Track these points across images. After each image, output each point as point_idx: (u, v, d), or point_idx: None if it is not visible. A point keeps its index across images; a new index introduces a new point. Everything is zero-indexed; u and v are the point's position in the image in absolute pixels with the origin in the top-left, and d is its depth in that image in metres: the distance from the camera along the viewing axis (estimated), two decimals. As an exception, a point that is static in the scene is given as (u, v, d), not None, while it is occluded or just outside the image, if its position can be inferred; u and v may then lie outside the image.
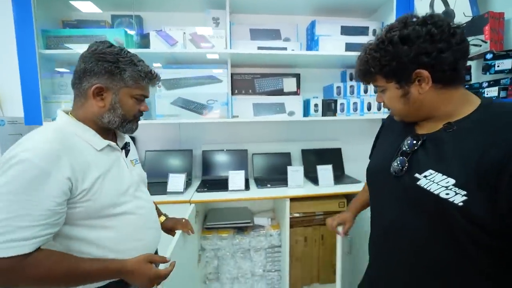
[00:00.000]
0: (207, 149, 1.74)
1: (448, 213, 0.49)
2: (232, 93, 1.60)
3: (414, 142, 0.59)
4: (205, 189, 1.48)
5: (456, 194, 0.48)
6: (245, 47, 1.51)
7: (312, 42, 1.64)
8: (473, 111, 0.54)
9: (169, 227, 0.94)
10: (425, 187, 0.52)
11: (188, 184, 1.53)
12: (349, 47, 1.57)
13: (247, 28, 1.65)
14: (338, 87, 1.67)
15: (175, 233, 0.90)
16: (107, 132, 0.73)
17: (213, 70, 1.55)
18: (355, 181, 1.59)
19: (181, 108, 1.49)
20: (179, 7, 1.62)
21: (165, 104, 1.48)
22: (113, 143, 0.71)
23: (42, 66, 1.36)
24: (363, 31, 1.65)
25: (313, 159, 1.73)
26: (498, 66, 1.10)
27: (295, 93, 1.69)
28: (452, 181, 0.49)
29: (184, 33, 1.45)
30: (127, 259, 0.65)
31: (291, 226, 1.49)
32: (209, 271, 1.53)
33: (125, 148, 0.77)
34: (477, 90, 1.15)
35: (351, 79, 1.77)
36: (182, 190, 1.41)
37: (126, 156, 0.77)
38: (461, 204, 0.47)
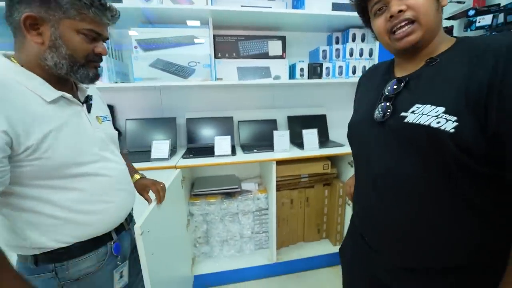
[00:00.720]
0: (191, 116, 1.69)
1: (441, 143, 0.47)
2: (215, 57, 1.52)
3: (398, 83, 0.57)
4: (191, 155, 1.45)
5: (447, 121, 0.46)
6: (227, 5, 1.41)
7: (298, 1, 1.56)
8: (453, 45, 0.53)
9: (143, 184, 0.89)
10: (414, 121, 0.50)
11: (173, 152, 1.49)
12: (336, 7, 1.52)
13: (229, -16, 1.53)
14: (324, 51, 1.64)
15: (148, 193, 0.88)
16: (64, 82, 0.64)
17: (194, 30, 1.45)
18: (339, 145, 1.63)
19: (161, 70, 1.40)
20: (152, -43, 1.46)
21: (144, 66, 1.39)
22: (68, 95, 0.62)
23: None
24: (350, -10, 1.59)
25: (299, 125, 1.74)
26: (479, 22, 1.11)
27: (281, 57, 1.64)
28: (442, 109, 0.48)
29: (160, -14, 1.32)
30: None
31: (278, 189, 1.54)
32: (199, 235, 1.57)
33: (87, 102, 0.68)
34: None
35: (337, 43, 1.73)
36: (167, 157, 1.38)
37: (89, 112, 0.68)
38: (452, 130, 0.46)
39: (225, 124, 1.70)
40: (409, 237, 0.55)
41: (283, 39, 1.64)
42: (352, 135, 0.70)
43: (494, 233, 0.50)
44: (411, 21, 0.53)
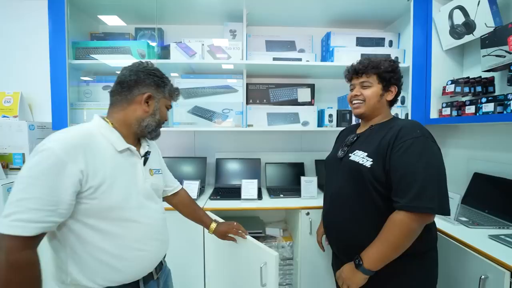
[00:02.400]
0: (220, 157, 1.76)
1: (364, 173, 0.84)
2: (247, 103, 1.62)
3: (353, 137, 0.96)
4: (218, 197, 1.48)
5: (367, 161, 0.84)
6: (260, 58, 1.54)
7: (327, 53, 1.65)
8: (387, 120, 0.94)
9: (223, 232, 1.01)
10: (352, 159, 0.89)
11: (201, 191, 1.54)
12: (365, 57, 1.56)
13: (263, 39, 1.69)
14: (353, 98, 1.66)
15: (232, 237, 1.01)
16: (133, 138, 0.78)
17: (229, 80, 1.59)
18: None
19: (197, 116, 1.53)
20: (198, 20, 1.70)
21: (182, 112, 1.53)
22: (133, 148, 0.75)
23: (70, 75, 1.45)
24: (379, 42, 1.65)
25: (327, 169, 1.70)
26: (524, 77, 1.05)
27: (310, 103, 1.69)
28: (366, 153, 0.86)
29: (203, 44, 1.51)
30: None
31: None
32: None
33: (145, 156, 0.81)
34: (501, 102, 1.11)
35: (366, 90, 1.75)
36: (195, 197, 1.42)
37: (144, 165, 0.79)
38: (369, 166, 0.83)
39: (253, 166, 1.74)
40: (347, 232, 0.89)
41: (312, 86, 1.71)
42: (326, 166, 1.06)
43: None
44: (362, 100, 0.93)
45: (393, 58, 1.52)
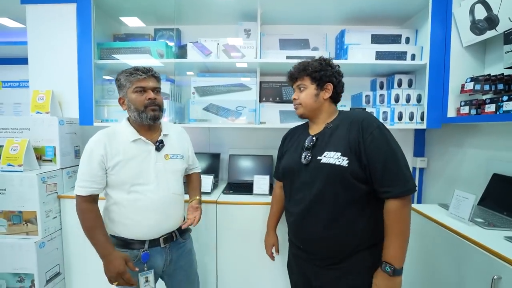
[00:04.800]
0: (234, 153, 1.81)
1: (341, 172, 0.84)
2: (260, 100, 1.66)
3: (311, 139, 0.94)
4: (231, 191, 1.54)
5: (343, 160, 0.85)
6: (274, 57, 1.57)
7: (341, 51, 1.65)
8: (336, 116, 0.97)
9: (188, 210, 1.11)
10: (325, 161, 0.87)
11: (215, 185, 1.61)
12: (380, 55, 1.55)
13: (277, 38, 1.72)
14: (367, 96, 1.65)
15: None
16: (150, 129, 1.00)
17: (243, 79, 1.63)
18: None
19: (212, 113, 1.59)
20: (214, 20, 1.75)
21: (198, 109, 1.59)
22: (144, 138, 0.97)
23: (95, 74, 1.56)
24: (395, 39, 1.62)
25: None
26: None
27: (322, 101, 1.69)
28: (339, 153, 0.86)
29: (218, 44, 1.56)
30: (116, 252, 0.92)
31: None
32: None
33: (157, 144, 0.99)
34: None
35: (381, 88, 1.73)
36: (209, 191, 1.49)
37: (159, 151, 0.99)
38: (346, 165, 0.84)
39: (265, 162, 1.78)
40: (335, 236, 0.88)
41: (325, 84, 1.71)
42: (286, 175, 1.01)
43: (374, 221, 0.87)
44: (299, 103, 0.97)
45: (411, 54, 1.53)
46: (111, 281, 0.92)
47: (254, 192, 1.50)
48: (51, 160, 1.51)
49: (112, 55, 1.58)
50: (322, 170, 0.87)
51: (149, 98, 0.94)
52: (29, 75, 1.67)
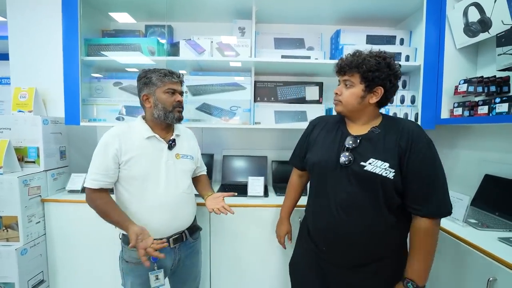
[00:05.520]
0: (227, 154, 1.78)
1: (385, 184, 0.80)
2: (255, 100, 1.63)
3: (355, 141, 0.86)
4: (225, 193, 1.50)
5: (390, 172, 0.80)
6: (269, 56, 1.54)
7: (336, 51, 1.64)
8: (382, 121, 0.89)
9: (209, 206, 1.06)
10: (371, 170, 0.81)
11: (208, 187, 1.56)
12: (375, 56, 1.54)
13: (272, 37, 1.69)
14: (362, 97, 1.64)
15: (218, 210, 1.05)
16: (162, 128, 1.03)
17: (237, 78, 1.59)
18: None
19: (205, 113, 1.55)
20: (207, 18, 1.70)
21: (191, 109, 1.54)
22: (158, 136, 1.00)
23: (82, 72, 1.48)
24: (390, 40, 1.62)
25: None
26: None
27: (317, 102, 1.68)
28: (387, 164, 0.80)
29: (212, 42, 1.52)
30: (135, 224, 0.91)
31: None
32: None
33: (170, 143, 1.02)
34: (517, 102, 1.08)
35: (375, 89, 1.73)
36: (202, 193, 1.45)
37: (171, 149, 1.02)
38: (392, 177, 0.80)
39: (259, 163, 1.75)
40: (359, 241, 0.85)
41: (320, 85, 1.69)
42: (318, 172, 0.93)
43: (404, 232, 0.88)
44: (340, 100, 0.89)
45: (405, 55, 1.52)
46: (141, 255, 0.88)
47: (249, 194, 1.46)
48: (34, 162, 1.43)
49: (101, 52, 1.52)
50: (364, 177, 0.81)
51: (178, 101, 1.02)
52: (10, 71, 1.58)
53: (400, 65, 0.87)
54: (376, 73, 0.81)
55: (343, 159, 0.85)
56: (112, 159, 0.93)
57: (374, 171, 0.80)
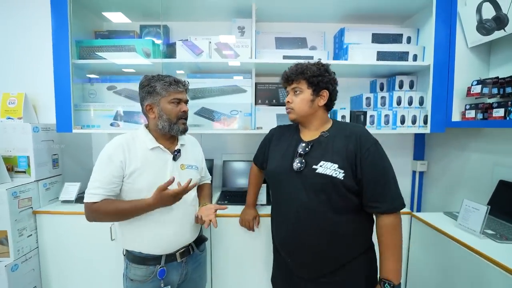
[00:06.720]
0: (228, 159, 1.71)
1: (336, 184, 0.83)
2: (256, 103, 1.55)
3: (306, 146, 0.91)
4: (226, 202, 1.43)
5: (340, 173, 0.83)
6: (270, 56, 1.47)
7: (340, 50, 1.56)
8: (332, 125, 0.95)
9: (200, 215, 0.99)
10: (321, 172, 0.84)
11: (208, 194, 1.50)
12: (381, 55, 1.47)
13: (273, 36, 1.61)
14: (368, 98, 1.57)
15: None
16: (167, 139, 0.98)
17: (237, 79, 1.52)
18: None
19: (204, 118, 1.47)
20: (205, 17, 1.63)
21: (189, 114, 1.46)
22: (162, 146, 0.95)
23: (74, 75, 1.41)
24: (396, 38, 1.55)
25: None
26: None
27: (321, 104, 1.61)
28: (336, 165, 0.84)
29: (210, 42, 1.44)
30: (147, 198, 0.86)
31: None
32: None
33: (174, 153, 0.97)
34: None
35: (381, 89, 1.66)
36: (202, 202, 1.38)
37: (175, 160, 0.96)
38: (342, 178, 0.83)
39: (261, 168, 1.68)
40: (321, 248, 0.86)
41: (324, 86, 1.62)
42: (274, 180, 0.96)
43: (366, 227, 0.91)
44: (292, 107, 0.94)
45: (412, 54, 1.46)
46: (170, 203, 0.88)
47: (251, 202, 1.40)
48: (24, 172, 1.36)
49: (93, 54, 1.44)
50: (316, 179, 0.85)
51: (184, 111, 0.96)
52: (-2, 76, 1.51)
53: (334, 73, 0.95)
54: (319, 77, 0.90)
55: (296, 164, 0.89)
56: (117, 172, 0.87)
57: (324, 173, 0.84)
